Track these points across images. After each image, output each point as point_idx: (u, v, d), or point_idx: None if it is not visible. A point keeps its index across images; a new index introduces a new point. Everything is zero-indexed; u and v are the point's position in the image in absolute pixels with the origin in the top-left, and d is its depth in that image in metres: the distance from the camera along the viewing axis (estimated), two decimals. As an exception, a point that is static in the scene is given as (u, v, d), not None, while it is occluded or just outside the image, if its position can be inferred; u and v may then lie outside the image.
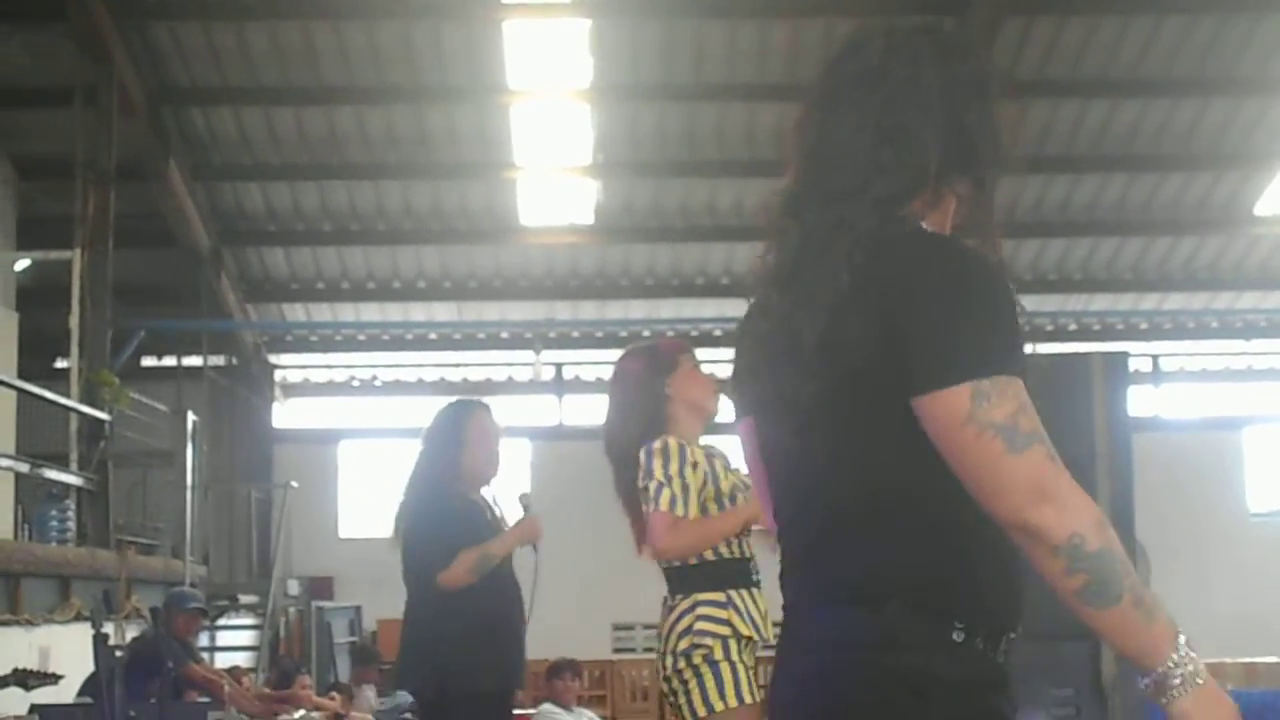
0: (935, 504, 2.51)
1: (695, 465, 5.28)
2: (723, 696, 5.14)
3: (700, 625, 5.19)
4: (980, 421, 2.39)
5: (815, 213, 2.62)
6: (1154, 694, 2.39)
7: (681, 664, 5.18)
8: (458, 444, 6.83)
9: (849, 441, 2.55)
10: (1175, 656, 2.38)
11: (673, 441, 5.28)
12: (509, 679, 6.82)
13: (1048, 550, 2.36)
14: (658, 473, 5.23)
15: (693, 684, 5.17)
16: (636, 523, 5.45)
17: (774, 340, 2.65)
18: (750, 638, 5.23)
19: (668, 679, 5.25)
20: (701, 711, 5.16)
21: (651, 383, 5.46)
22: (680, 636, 5.20)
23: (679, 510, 5.21)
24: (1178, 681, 2.37)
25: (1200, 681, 2.38)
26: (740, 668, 5.19)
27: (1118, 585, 2.36)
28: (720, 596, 5.23)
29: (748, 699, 5.16)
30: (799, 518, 2.69)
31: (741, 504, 5.34)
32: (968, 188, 2.67)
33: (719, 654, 5.16)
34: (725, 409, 5.25)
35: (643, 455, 5.28)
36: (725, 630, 5.19)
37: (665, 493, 5.22)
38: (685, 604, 5.24)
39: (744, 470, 5.45)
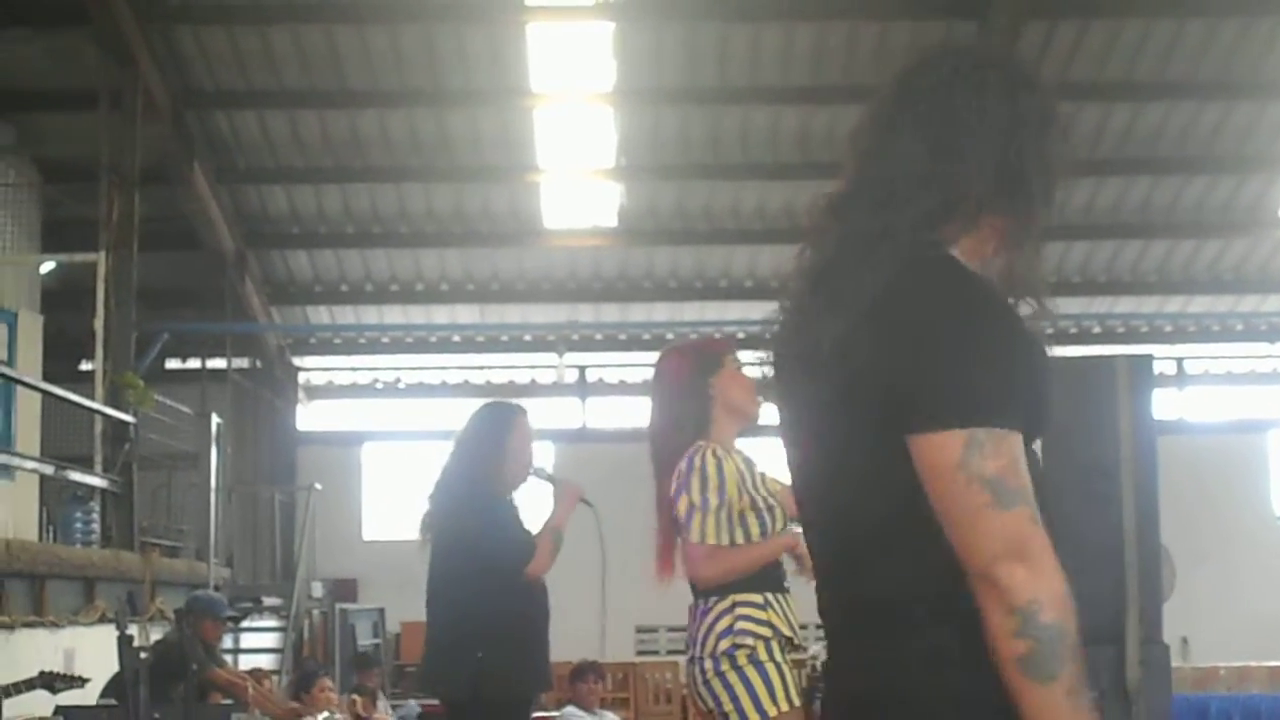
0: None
1: (729, 479, 5.22)
2: (774, 700, 5.03)
3: (741, 625, 5.08)
4: (970, 471, 2.38)
5: (859, 218, 2.61)
6: None
7: (725, 665, 5.06)
8: (499, 448, 6.79)
9: (874, 452, 2.52)
10: None
11: (711, 461, 5.19)
12: (539, 681, 6.83)
13: (1005, 608, 2.34)
14: (694, 494, 5.15)
15: (739, 688, 5.04)
16: (665, 541, 5.38)
17: (798, 341, 2.64)
18: (790, 638, 5.17)
19: (707, 682, 5.10)
20: (754, 718, 5.03)
21: (696, 382, 5.36)
22: (720, 637, 5.09)
23: (710, 539, 5.14)
24: None
25: None
26: (786, 668, 5.09)
27: (1058, 665, 2.33)
28: (758, 598, 5.13)
29: (796, 702, 5.07)
30: (830, 528, 2.67)
31: (780, 529, 5.28)
32: (1010, 222, 2.64)
33: (763, 654, 5.06)
34: (766, 412, 5.21)
35: (684, 464, 5.21)
36: (767, 631, 5.09)
37: (697, 520, 5.14)
38: (723, 605, 5.13)
39: (775, 475, 5.41)
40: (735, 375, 5.41)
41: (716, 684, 5.08)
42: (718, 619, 5.12)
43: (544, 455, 19.15)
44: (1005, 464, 2.38)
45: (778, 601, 5.18)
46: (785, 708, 5.04)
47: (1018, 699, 2.35)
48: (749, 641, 5.07)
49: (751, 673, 5.06)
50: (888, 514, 2.52)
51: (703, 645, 5.13)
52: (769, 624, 5.11)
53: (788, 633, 5.14)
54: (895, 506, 2.51)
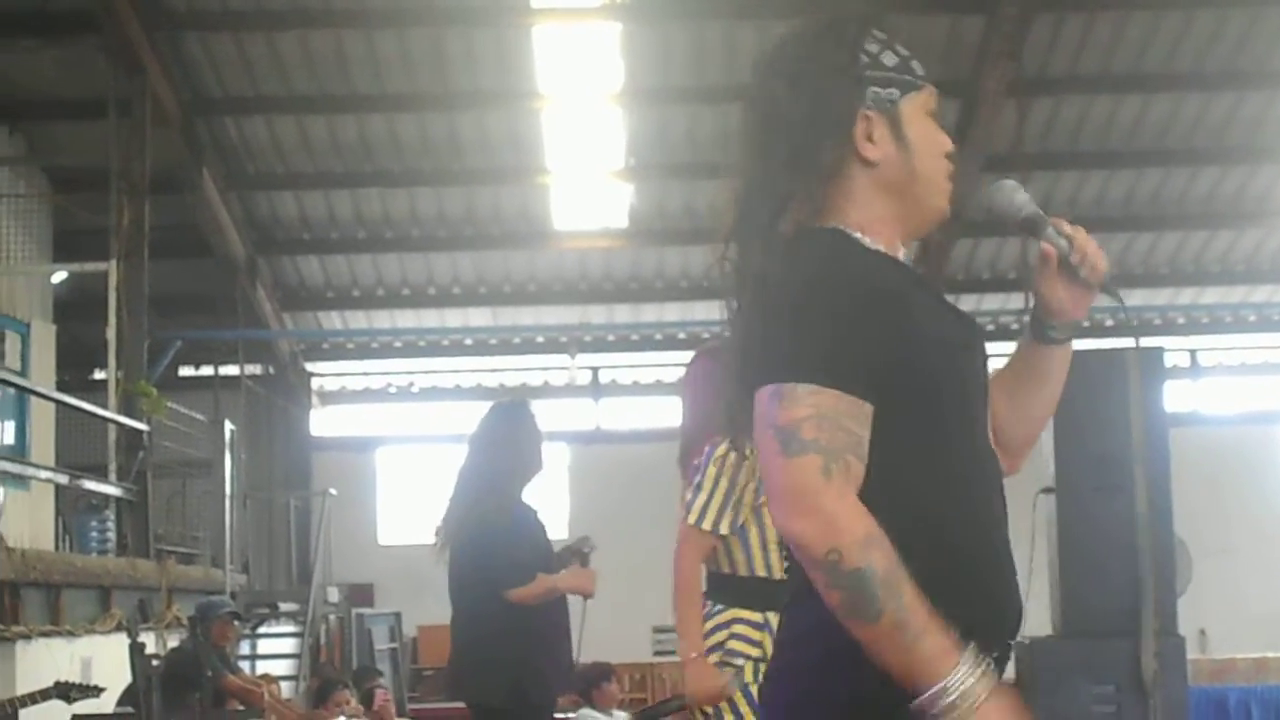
0: (894, 517, 2.39)
1: (745, 475, 5.21)
2: None
3: (733, 644, 5.14)
4: (766, 420, 2.38)
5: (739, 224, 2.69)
6: (920, 714, 2.33)
7: None
8: (507, 446, 6.84)
9: None
10: (945, 685, 2.29)
11: (730, 455, 5.13)
12: (566, 683, 6.91)
13: (810, 562, 2.34)
14: (706, 480, 5.19)
15: (725, 709, 5.11)
16: None
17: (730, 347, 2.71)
18: None
19: None
20: None
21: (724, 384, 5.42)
22: (711, 651, 5.14)
23: (703, 523, 5.18)
24: (939, 711, 2.30)
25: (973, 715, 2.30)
26: None
27: (876, 606, 2.29)
28: (758, 618, 5.15)
29: None
30: None
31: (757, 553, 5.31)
32: (874, 130, 2.67)
33: (749, 676, 5.09)
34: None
35: (705, 453, 5.24)
36: (757, 652, 5.11)
37: (698, 501, 5.19)
38: (723, 618, 5.18)
39: None
40: None
41: None
42: (715, 631, 5.18)
43: (558, 457, 19.18)
44: (803, 415, 2.35)
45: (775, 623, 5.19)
46: None
47: (857, 639, 2.34)
48: (738, 661, 5.12)
49: (738, 696, 5.11)
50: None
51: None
52: (762, 646, 5.12)
53: None
54: None
